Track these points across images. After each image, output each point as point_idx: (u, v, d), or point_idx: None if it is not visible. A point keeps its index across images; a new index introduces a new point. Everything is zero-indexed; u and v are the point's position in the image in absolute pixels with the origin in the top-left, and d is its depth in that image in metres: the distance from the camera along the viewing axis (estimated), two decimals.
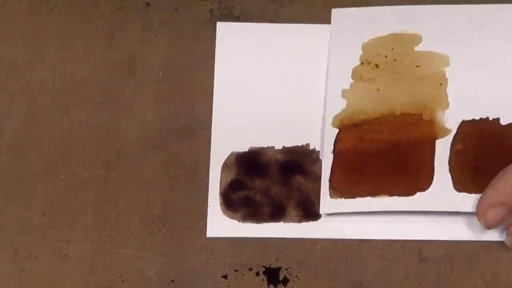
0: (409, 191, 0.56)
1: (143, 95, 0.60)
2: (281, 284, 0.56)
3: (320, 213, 0.57)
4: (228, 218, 0.57)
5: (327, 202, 0.57)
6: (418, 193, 0.56)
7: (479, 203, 0.54)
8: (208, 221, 0.57)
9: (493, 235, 0.56)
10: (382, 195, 0.56)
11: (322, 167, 0.57)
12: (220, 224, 0.57)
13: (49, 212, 0.58)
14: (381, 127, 0.58)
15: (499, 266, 0.56)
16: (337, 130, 0.58)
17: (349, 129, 0.58)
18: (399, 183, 0.56)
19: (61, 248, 0.57)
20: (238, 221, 0.57)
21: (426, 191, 0.56)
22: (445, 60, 0.59)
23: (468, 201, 0.55)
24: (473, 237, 0.56)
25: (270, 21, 0.61)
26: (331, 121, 0.58)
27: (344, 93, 0.59)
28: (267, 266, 0.57)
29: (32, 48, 0.61)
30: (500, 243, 0.56)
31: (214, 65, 0.60)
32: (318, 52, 0.60)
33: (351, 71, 0.59)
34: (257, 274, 0.57)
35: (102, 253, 0.57)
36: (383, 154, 0.57)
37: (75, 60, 0.60)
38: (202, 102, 0.60)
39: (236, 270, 0.57)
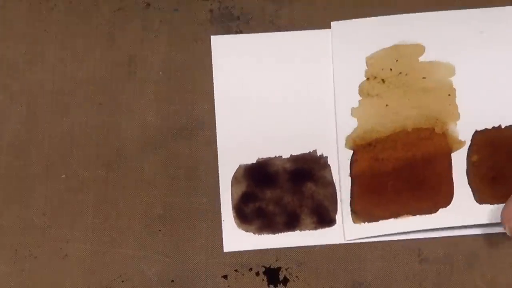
0: (431, 208, 0.56)
1: (143, 95, 0.60)
2: (281, 284, 0.56)
3: (346, 240, 0.57)
4: (243, 231, 0.57)
5: (351, 228, 0.56)
6: (440, 210, 0.56)
7: (504, 210, 0.54)
8: (223, 235, 0.57)
9: (492, 229, 0.56)
10: (405, 215, 0.56)
11: (341, 191, 0.57)
12: (236, 238, 0.57)
13: (49, 212, 0.58)
14: (395, 144, 0.57)
15: (499, 266, 0.56)
16: (351, 152, 0.58)
17: (363, 149, 0.58)
18: (420, 201, 0.56)
19: (61, 248, 0.57)
20: (254, 233, 0.57)
21: (448, 207, 0.56)
22: (450, 70, 0.59)
23: (491, 212, 0.55)
24: (473, 232, 0.56)
25: (270, 21, 0.61)
26: (344, 142, 0.58)
27: (354, 112, 0.58)
28: (267, 266, 0.57)
29: (32, 48, 0.61)
30: (500, 243, 0.56)
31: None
32: (318, 57, 0.60)
33: (357, 88, 0.59)
34: (257, 274, 0.57)
35: (102, 253, 0.57)
36: (400, 173, 0.57)
37: (75, 60, 0.60)
38: (202, 102, 0.60)
39: (236, 270, 0.57)
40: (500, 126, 0.57)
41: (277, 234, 0.57)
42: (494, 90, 0.58)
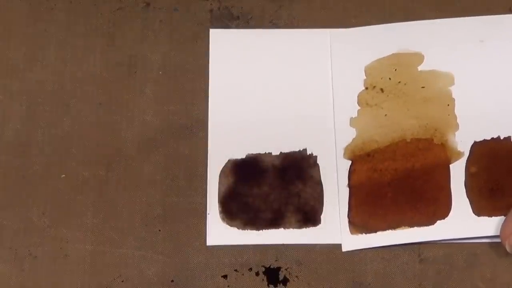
0: (429, 220, 0.56)
1: (143, 95, 0.60)
2: (281, 284, 0.56)
3: (343, 250, 0.56)
4: (228, 226, 0.57)
5: (348, 239, 0.56)
6: (438, 222, 0.56)
7: (503, 227, 0.54)
8: (207, 229, 0.57)
9: (491, 238, 0.56)
10: (402, 227, 0.56)
11: (339, 202, 0.57)
12: (220, 232, 0.57)
13: (49, 212, 0.58)
14: (393, 155, 0.57)
15: (499, 266, 0.56)
16: (349, 162, 0.57)
17: (362, 160, 0.57)
18: (418, 212, 0.56)
19: (61, 248, 0.57)
20: (238, 228, 0.57)
21: (446, 219, 0.56)
22: (450, 79, 0.58)
23: (489, 224, 0.55)
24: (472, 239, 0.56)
25: (270, 21, 0.61)
26: (342, 153, 0.58)
27: (352, 122, 0.58)
28: (267, 266, 0.57)
29: (32, 48, 0.61)
30: (500, 243, 0.56)
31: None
32: (315, 57, 0.60)
33: (356, 98, 0.59)
34: (257, 274, 0.57)
35: (102, 253, 0.57)
36: (398, 184, 0.56)
37: (75, 60, 0.60)
38: (202, 102, 0.60)
39: (236, 270, 0.57)
40: (499, 137, 0.57)
41: (260, 231, 0.57)
42: (493, 100, 0.58)
